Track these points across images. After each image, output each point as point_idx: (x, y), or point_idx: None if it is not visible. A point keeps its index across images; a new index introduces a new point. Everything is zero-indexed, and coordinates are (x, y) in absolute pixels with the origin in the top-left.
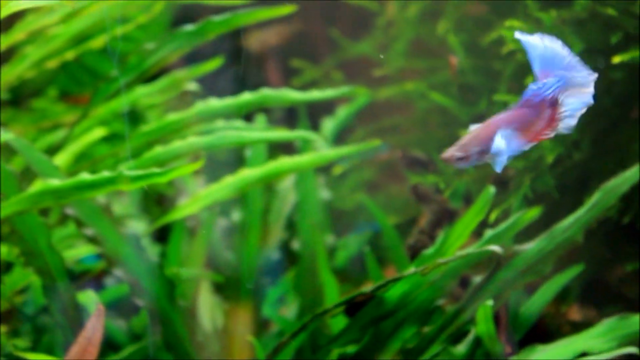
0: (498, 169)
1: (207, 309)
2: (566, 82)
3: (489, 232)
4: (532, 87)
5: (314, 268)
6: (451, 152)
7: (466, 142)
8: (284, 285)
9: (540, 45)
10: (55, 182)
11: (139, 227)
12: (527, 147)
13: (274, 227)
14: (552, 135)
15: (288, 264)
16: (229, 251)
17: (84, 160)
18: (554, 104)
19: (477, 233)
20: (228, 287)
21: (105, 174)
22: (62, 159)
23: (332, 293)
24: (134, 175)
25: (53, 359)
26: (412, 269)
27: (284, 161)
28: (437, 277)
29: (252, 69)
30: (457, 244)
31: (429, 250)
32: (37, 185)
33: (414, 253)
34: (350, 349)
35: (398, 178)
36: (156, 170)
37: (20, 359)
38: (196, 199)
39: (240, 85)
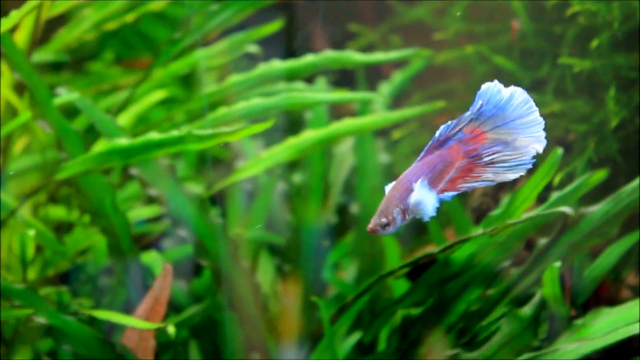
0: (426, 219)
1: (267, 270)
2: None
3: (555, 195)
4: (437, 132)
5: None
6: (374, 222)
7: (384, 207)
8: (341, 249)
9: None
10: (122, 142)
11: (196, 190)
12: (448, 197)
13: (332, 190)
14: (476, 184)
15: (346, 227)
16: (288, 213)
17: (140, 124)
18: (474, 155)
19: (539, 198)
20: (288, 250)
21: (174, 133)
22: (123, 120)
23: (393, 256)
24: (203, 134)
25: (125, 316)
26: (479, 231)
27: (347, 122)
28: (504, 239)
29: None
30: (523, 206)
31: (496, 212)
32: (103, 145)
33: (479, 215)
34: (415, 311)
35: None
36: (225, 129)
37: (88, 317)
38: (259, 160)
39: (289, 52)
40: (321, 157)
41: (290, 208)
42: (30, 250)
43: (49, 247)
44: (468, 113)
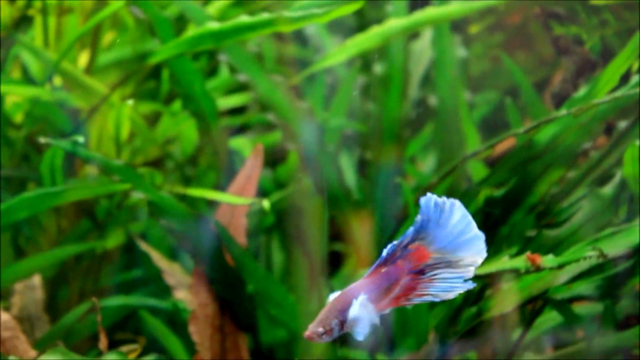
0: (360, 337)
1: (350, 158)
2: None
3: (635, 77)
4: (383, 251)
5: (453, 123)
6: (312, 329)
7: (324, 316)
8: (419, 142)
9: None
10: (214, 25)
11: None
12: (385, 312)
13: (410, 83)
14: (417, 301)
15: (422, 122)
16: (369, 105)
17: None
18: (417, 271)
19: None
20: (369, 138)
21: (265, 15)
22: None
23: (474, 144)
24: (295, 15)
25: (218, 192)
26: (563, 111)
27: (430, 11)
28: (586, 120)
29: None
30: (606, 88)
31: (579, 94)
32: (195, 29)
33: (559, 101)
34: (497, 192)
35: (524, 46)
36: (316, 10)
37: (181, 196)
38: (344, 48)
39: None
40: (401, 48)
41: (371, 97)
42: (125, 131)
43: (139, 134)
44: (411, 230)
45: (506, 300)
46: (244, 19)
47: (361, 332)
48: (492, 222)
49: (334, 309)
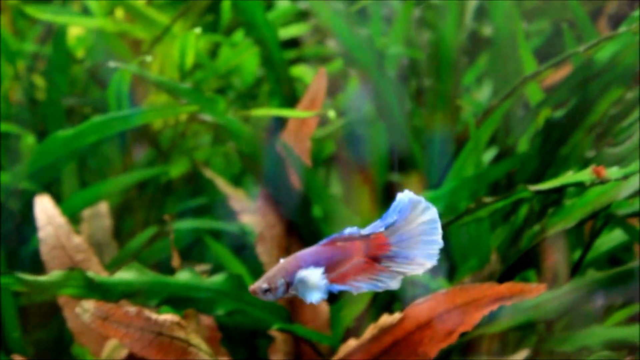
0: (308, 300)
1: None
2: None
3: None
4: (346, 229)
5: (509, 51)
6: (257, 284)
7: (271, 274)
8: (473, 73)
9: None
10: None
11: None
12: (335, 289)
13: (465, 13)
14: (364, 287)
15: (477, 52)
16: (428, 31)
17: None
18: (372, 257)
19: None
20: (427, 65)
21: None
22: None
23: (531, 70)
24: None
25: (283, 109)
26: (623, 28)
27: None
28: None
29: None
30: None
31: (637, 12)
32: None
33: (616, 22)
34: (557, 113)
35: None
36: None
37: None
38: None
39: None
40: None
41: (428, 25)
42: (190, 59)
43: (202, 64)
44: (380, 223)
45: (569, 216)
46: None
47: (307, 298)
48: (552, 142)
49: (282, 269)
